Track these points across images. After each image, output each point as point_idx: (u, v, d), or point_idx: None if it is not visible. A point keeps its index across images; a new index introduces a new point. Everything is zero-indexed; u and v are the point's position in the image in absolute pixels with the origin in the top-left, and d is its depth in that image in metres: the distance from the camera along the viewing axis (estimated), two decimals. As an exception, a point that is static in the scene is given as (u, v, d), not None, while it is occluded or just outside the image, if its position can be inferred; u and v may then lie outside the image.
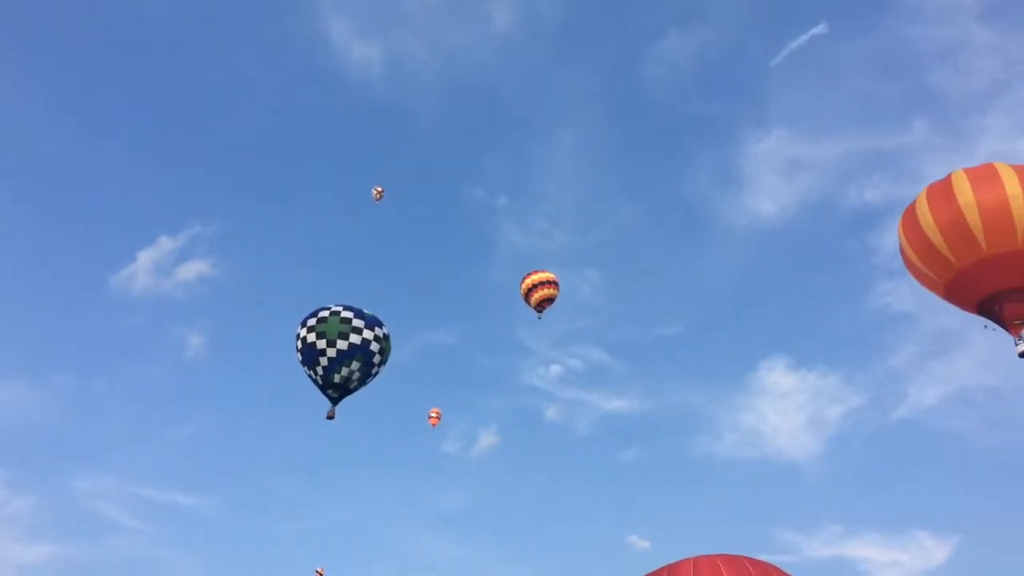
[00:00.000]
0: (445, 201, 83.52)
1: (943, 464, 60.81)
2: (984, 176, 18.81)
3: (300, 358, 26.96)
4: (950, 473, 60.17)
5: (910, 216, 19.73)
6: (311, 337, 26.43)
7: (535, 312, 41.55)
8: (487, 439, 69.05)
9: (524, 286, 41.61)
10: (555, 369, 72.09)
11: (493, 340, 77.89)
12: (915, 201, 19.74)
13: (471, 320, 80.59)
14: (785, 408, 67.49)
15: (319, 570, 40.55)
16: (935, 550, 57.64)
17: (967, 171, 18.96)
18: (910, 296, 62.36)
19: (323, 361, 26.26)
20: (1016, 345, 19.14)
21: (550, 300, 41.47)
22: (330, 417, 26.83)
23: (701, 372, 72.84)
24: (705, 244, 78.51)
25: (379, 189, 40.88)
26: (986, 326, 19.71)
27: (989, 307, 19.37)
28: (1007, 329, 19.34)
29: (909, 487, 59.60)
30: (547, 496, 66.93)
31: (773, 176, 75.21)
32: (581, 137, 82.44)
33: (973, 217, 18.28)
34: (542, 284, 41.29)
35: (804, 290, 73.82)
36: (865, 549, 56.94)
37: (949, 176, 19.28)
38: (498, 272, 77.08)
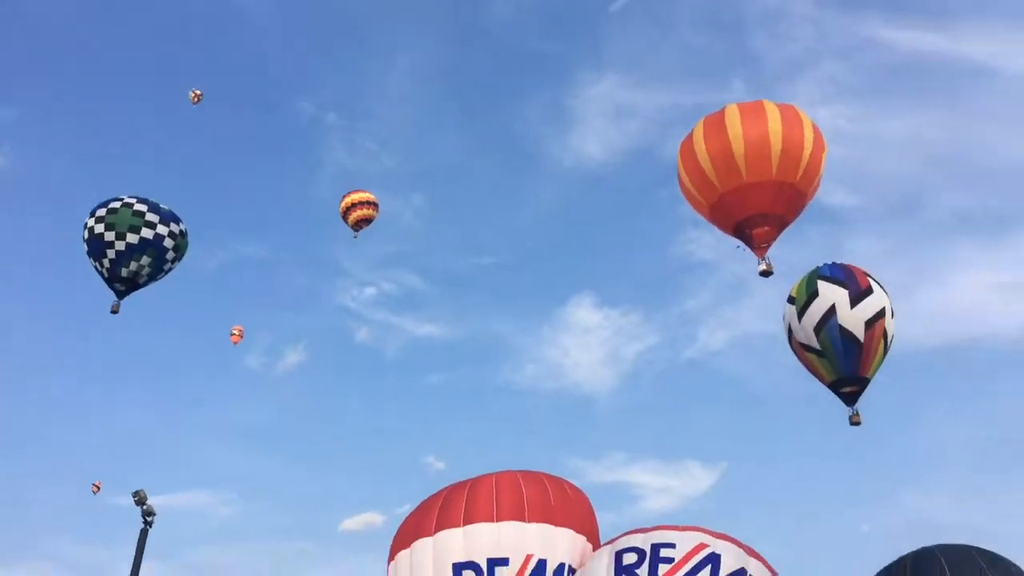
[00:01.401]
0: (271, 111, 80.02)
1: (721, 402, 66.75)
2: (753, 111, 20.73)
3: (86, 249, 25.36)
4: (725, 410, 66.21)
5: (687, 144, 21.46)
6: (99, 228, 24.88)
7: (352, 231, 41.10)
8: (293, 356, 68.02)
9: (343, 205, 41.03)
10: (369, 291, 71.92)
11: (309, 258, 76.32)
12: (693, 130, 21.43)
13: (287, 235, 78.54)
14: (588, 343, 71.17)
15: (96, 484, 38.78)
16: (702, 478, 63.74)
17: (739, 105, 20.82)
18: (711, 246, 66.98)
19: (110, 254, 24.80)
20: (759, 265, 21.65)
21: (368, 221, 41.14)
22: (114, 311, 25.58)
23: (512, 304, 75.08)
24: (529, 180, 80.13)
25: (197, 92, 38.56)
26: (739, 246, 22.03)
27: (742, 230, 21.61)
28: (754, 250, 21.70)
29: (687, 421, 65.12)
30: (350, 415, 67.24)
31: (601, 119, 77.70)
32: (418, 61, 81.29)
33: (738, 147, 20.20)
34: (361, 204, 40.86)
35: (617, 232, 77.39)
36: (642, 475, 61.87)
37: (724, 108, 21.01)
38: (320, 189, 75.22)
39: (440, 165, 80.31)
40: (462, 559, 13.22)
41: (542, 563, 13.09)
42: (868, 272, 24.16)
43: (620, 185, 77.07)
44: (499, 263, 76.52)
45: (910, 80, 71.32)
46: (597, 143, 76.55)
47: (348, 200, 41.09)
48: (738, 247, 22.48)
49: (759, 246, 22.00)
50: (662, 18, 76.42)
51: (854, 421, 24.06)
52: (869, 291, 23.68)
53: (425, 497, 15.09)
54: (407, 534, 14.34)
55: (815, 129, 21.71)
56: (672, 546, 11.74)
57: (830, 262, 24.84)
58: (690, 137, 21.35)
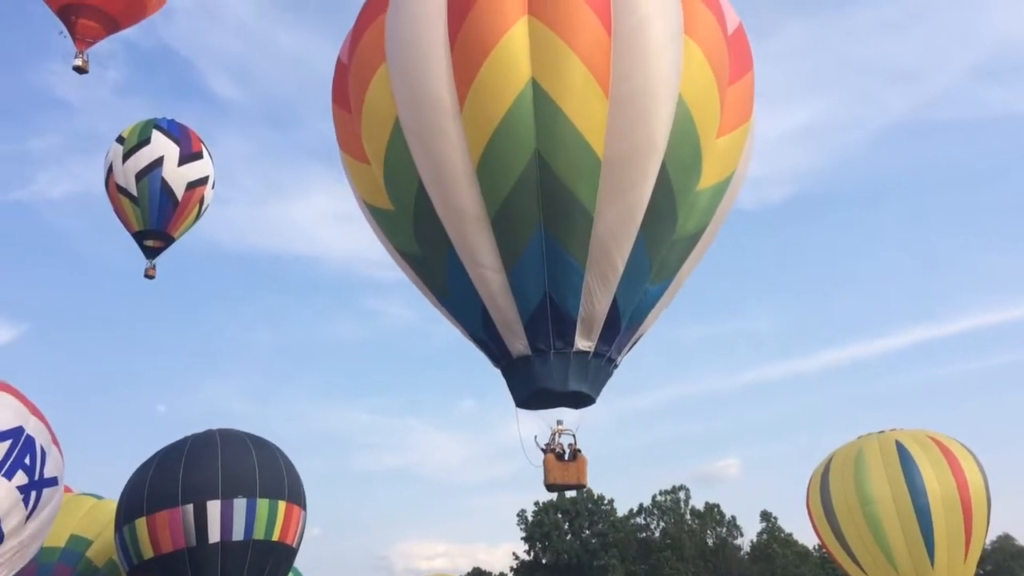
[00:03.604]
0: None
1: (45, 256, 60.77)
2: None
3: None
4: (46, 266, 60.36)
5: None
6: None
7: None
8: None
9: None
10: None
11: None
12: None
13: None
14: None
15: None
16: (1, 333, 57.46)
17: None
18: (76, 88, 60.22)
19: None
20: (75, 58, 20.57)
21: None
22: None
23: None
24: None
25: None
26: (61, 32, 20.52)
27: (68, 15, 20.18)
28: (75, 42, 20.50)
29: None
30: None
31: None
32: None
33: None
34: None
35: None
36: None
37: None
38: None
39: None
40: None
41: None
42: (203, 139, 24.68)
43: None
44: None
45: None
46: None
47: None
48: (61, 33, 20.70)
49: (82, 39, 20.62)
50: None
51: (149, 274, 24.18)
52: (200, 155, 24.12)
53: None
54: None
55: None
56: None
57: (170, 118, 24.74)
58: None
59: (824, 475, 17.21)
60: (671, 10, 9.72)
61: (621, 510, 54.45)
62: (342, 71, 11.03)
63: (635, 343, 11.70)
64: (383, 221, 11.10)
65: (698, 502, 54.95)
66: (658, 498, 54.76)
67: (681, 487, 54.87)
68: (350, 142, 10.95)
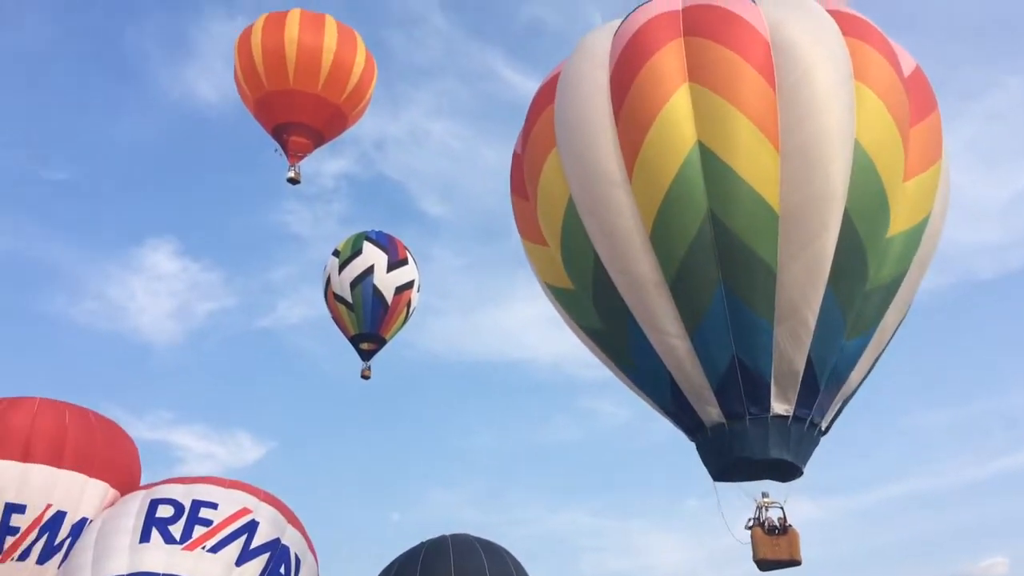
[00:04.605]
0: None
1: (285, 377, 66.94)
2: (313, 22, 21.63)
3: None
4: (287, 386, 66.37)
5: (246, 34, 21.75)
6: None
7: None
8: None
9: None
10: None
11: None
12: (255, 22, 21.76)
13: None
14: (157, 291, 66.71)
15: None
16: (250, 450, 63.24)
17: (303, 12, 21.62)
18: (308, 222, 66.94)
19: None
20: (287, 171, 22.97)
21: None
22: None
23: (83, 230, 66.52)
24: (127, 99, 71.69)
25: None
26: (276, 150, 23.07)
27: (280, 133, 22.66)
28: (288, 156, 22.97)
29: (245, 391, 63.93)
30: None
31: (222, 61, 73.40)
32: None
33: (291, 51, 21.01)
34: None
35: (216, 184, 73.16)
36: (187, 438, 59.21)
37: (290, 11, 21.71)
38: None
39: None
40: None
41: (61, 515, 11.95)
42: (407, 247, 26.65)
43: (229, 136, 73.34)
44: (74, 179, 67.57)
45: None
46: (212, 85, 71.86)
47: None
48: (275, 151, 23.21)
49: (293, 154, 22.92)
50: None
51: (365, 375, 26.04)
52: (405, 262, 26.04)
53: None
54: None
55: (368, 57, 23.01)
56: (214, 506, 11.17)
57: (378, 229, 27.02)
58: (250, 29, 21.71)
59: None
60: (838, 57, 9.51)
61: (872, 616, 49.27)
62: (517, 162, 11.65)
63: (843, 407, 10.96)
64: (565, 301, 11.34)
65: (962, 606, 48.78)
66: (916, 602, 49.29)
67: (942, 590, 49.14)
68: (529, 227, 11.43)
